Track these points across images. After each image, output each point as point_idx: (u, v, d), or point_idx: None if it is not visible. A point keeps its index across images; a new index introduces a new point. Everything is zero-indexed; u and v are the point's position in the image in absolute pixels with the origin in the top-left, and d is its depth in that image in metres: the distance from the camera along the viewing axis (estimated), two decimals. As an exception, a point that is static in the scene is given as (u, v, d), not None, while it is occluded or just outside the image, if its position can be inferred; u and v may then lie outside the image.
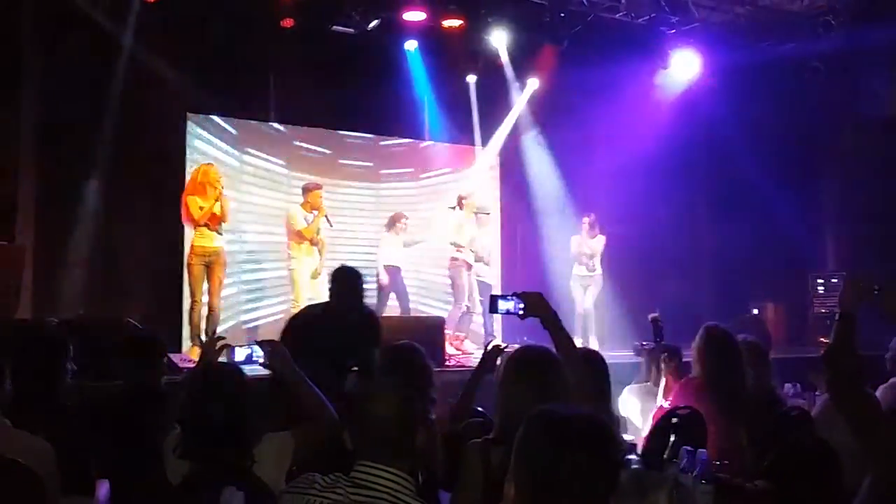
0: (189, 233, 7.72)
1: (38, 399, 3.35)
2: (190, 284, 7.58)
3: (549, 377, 2.80)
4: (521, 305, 3.10)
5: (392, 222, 9.11)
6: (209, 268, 7.50)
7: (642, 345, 6.14)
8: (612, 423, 1.94)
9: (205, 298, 7.45)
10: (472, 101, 10.58)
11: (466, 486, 2.76)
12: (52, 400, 3.42)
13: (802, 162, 10.54)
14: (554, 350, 2.98)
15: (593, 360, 3.54)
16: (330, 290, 5.22)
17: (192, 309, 7.50)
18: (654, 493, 2.83)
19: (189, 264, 7.53)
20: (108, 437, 3.25)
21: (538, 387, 2.75)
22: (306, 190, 8.27)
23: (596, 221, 9.38)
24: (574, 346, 3.12)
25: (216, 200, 7.42)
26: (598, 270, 9.41)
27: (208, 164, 7.94)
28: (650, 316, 7.59)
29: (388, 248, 9.00)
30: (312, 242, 8.13)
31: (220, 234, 7.55)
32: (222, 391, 2.85)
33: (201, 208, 7.38)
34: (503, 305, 3.16)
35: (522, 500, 1.76)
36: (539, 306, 3.10)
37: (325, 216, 8.12)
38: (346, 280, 5.19)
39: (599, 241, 9.39)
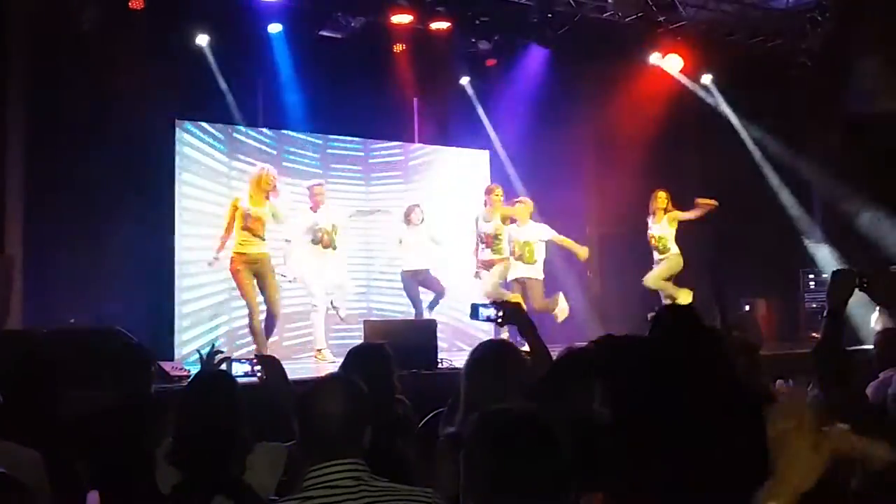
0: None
1: (27, 410, 3.34)
2: (241, 292, 7.60)
3: (507, 370, 2.85)
4: (501, 313, 3.33)
5: (407, 217, 8.91)
6: (260, 275, 7.54)
7: None
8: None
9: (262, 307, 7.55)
10: (467, 103, 10.59)
11: (443, 482, 2.75)
12: (42, 410, 3.41)
13: (792, 158, 10.57)
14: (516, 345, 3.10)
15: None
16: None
17: (250, 316, 7.56)
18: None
19: (234, 271, 7.52)
20: (97, 448, 3.23)
21: (497, 380, 2.80)
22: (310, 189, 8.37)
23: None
24: (547, 353, 3.21)
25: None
26: (674, 250, 9.15)
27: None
28: (649, 315, 7.63)
29: (409, 251, 8.83)
30: (324, 244, 8.14)
31: (263, 239, 7.59)
32: (216, 400, 2.86)
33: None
34: (484, 312, 3.42)
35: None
36: (516, 315, 3.35)
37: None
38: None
39: (672, 219, 9.19)
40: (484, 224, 8.78)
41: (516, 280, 8.84)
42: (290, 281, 8.22)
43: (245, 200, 7.56)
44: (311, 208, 8.23)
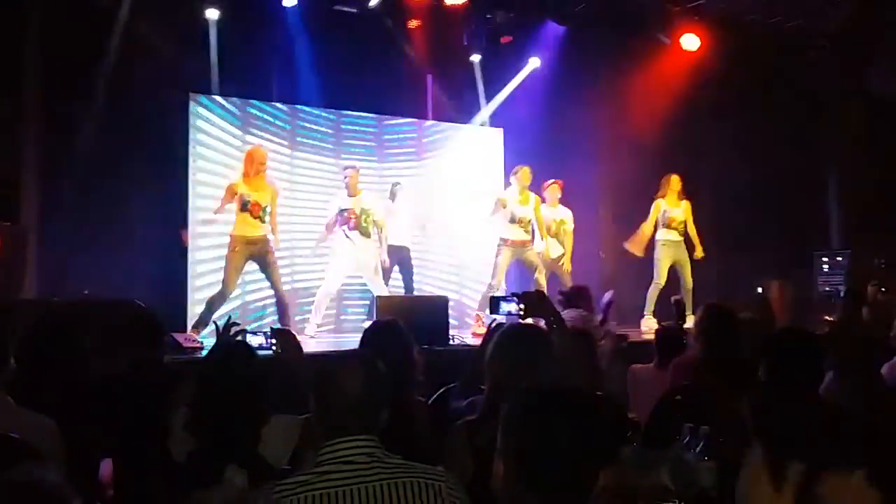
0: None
1: (42, 377, 3.36)
2: (224, 274, 7.57)
3: (536, 353, 2.81)
4: (522, 306, 3.19)
5: (391, 194, 9.13)
6: (260, 257, 7.55)
7: (663, 326, 6.20)
8: (601, 400, 1.99)
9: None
10: (477, 80, 10.54)
11: (454, 469, 2.73)
12: (57, 378, 3.43)
13: (808, 139, 10.48)
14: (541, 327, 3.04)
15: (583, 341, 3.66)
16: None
17: (218, 294, 7.51)
18: (656, 471, 2.83)
19: (230, 251, 7.52)
20: (111, 416, 3.25)
21: (525, 363, 2.76)
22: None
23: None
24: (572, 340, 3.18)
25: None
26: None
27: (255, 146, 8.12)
28: (673, 298, 7.71)
29: (392, 228, 8.90)
30: (350, 227, 8.16)
31: (263, 221, 7.56)
32: (233, 370, 2.87)
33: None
34: (505, 307, 3.29)
35: (512, 476, 1.79)
36: (540, 306, 3.22)
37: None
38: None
39: (688, 210, 9.31)
40: (520, 207, 8.86)
41: (552, 259, 9.14)
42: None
43: (242, 185, 7.58)
44: (346, 192, 8.35)
